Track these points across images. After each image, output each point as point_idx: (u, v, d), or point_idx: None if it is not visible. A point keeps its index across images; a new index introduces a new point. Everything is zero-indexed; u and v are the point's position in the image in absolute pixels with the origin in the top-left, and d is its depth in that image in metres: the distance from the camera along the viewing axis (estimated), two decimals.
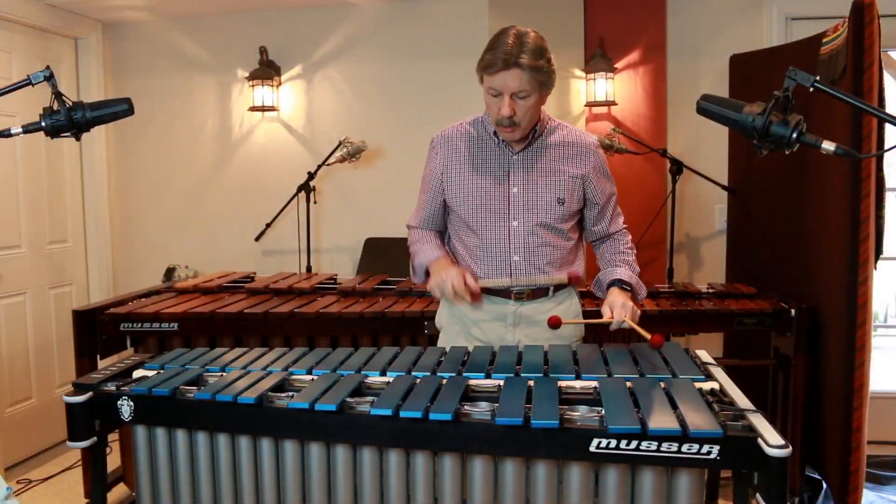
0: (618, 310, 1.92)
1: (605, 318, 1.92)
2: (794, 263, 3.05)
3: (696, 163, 3.53)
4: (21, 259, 3.62)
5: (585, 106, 3.72)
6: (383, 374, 1.73)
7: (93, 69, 3.99)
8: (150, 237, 4.18)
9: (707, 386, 1.58)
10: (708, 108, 1.55)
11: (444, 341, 2.16)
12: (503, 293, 2.07)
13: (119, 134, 4.13)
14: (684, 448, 1.32)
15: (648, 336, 1.79)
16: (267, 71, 3.87)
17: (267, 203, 3.89)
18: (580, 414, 1.43)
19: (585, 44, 3.71)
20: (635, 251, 2.18)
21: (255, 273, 3.50)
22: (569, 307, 2.14)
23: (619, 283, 2.03)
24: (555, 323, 1.94)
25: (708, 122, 1.60)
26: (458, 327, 2.14)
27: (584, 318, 2.19)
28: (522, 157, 2.05)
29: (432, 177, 2.14)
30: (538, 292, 2.09)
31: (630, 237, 2.20)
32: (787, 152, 1.47)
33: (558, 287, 2.10)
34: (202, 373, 1.77)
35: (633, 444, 1.33)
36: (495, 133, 2.03)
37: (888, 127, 2.36)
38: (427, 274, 2.09)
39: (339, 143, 3.70)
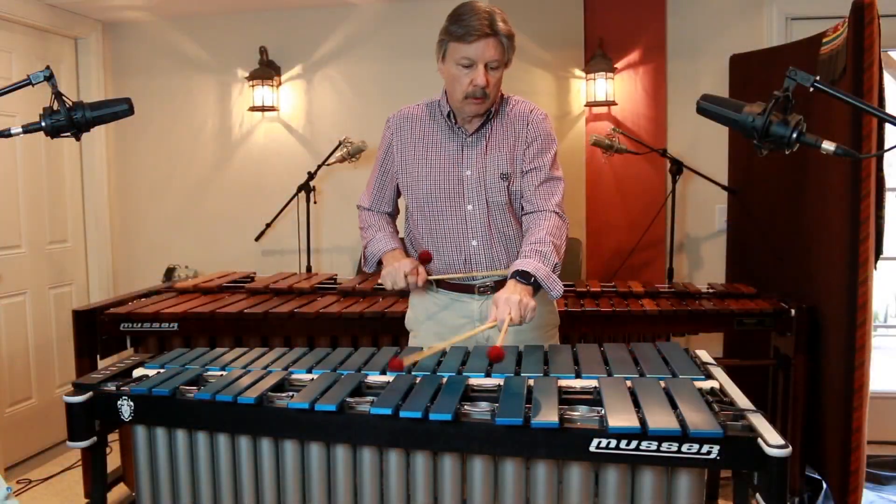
0: (500, 306, 1.73)
1: (489, 323, 1.76)
2: (794, 263, 3.05)
3: (696, 163, 3.53)
4: (21, 259, 3.62)
5: (585, 106, 3.72)
6: (383, 373, 1.73)
7: (93, 69, 3.99)
8: (150, 237, 4.18)
9: (707, 386, 1.58)
10: (708, 108, 1.55)
11: (415, 343, 2.15)
12: (466, 289, 2.05)
13: (119, 134, 4.14)
14: (684, 448, 1.32)
15: (498, 344, 1.63)
16: (267, 71, 3.87)
17: (267, 203, 3.89)
18: (580, 414, 1.43)
19: (585, 44, 3.71)
20: (561, 239, 1.93)
21: (255, 273, 3.50)
22: (539, 298, 1.87)
23: (519, 276, 1.80)
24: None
25: (708, 122, 1.60)
26: (429, 328, 2.11)
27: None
28: (475, 139, 2.02)
29: (385, 156, 2.12)
30: (500, 284, 1.94)
31: (561, 223, 1.95)
32: (787, 152, 1.47)
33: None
34: (202, 373, 1.77)
35: (633, 444, 1.33)
36: (449, 115, 2.01)
37: (888, 127, 2.36)
38: (379, 264, 2.09)
39: (339, 143, 3.70)
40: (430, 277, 2.04)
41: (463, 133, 2.02)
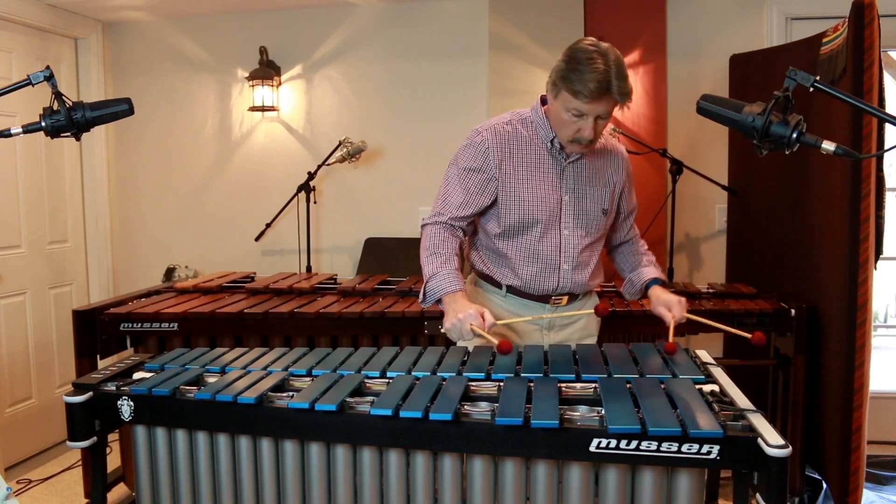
0: (675, 308, 1.99)
1: (672, 323, 1.97)
2: (794, 263, 3.05)
3: (696, 163, 3.53)
4: (21, 259, 3.62)
5: None
6: (383, 374, 1.73)
7: (93, 69, 3.99)
8: (150, 237, 4.18)
9: (707, 386, 1.58)
10: (708, 108, 1.55)
11: (476, 340, 2.09)
12: (542, 298, 2.07)
13: (119, 134, 4.14)
14: (684, 448, 1.32)
15: (749, 335, 1.84)
16: (267, 71, 3.87)
17: (267, 203, 3.89)
18: (580, 414, 1.43)
19: None
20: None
21: (255, 273, 3.50)
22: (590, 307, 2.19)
23: (657, 282, 2.12)
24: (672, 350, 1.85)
25: (708, 122, 1.60)
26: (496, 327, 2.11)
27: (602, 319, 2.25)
28: (574, 166, 2.05)
29: (481, 170, 2.00)
30: (572, 297, 2.13)
31: (643, 241, 2.29)
32: (787, 152, 1.47)
33: (585, 292, 2.17)
34: (202, 373, 1.77)
35: (633, 444, 1.34)
36: (553, 140, 2.02)
37: (888, 127, 2.36)
38: (436, 302, 1.97)
39: (339, 143, 3.70)
40: (498, 322, 1.91)
41: (563, 159, 2.04)
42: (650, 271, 2.16)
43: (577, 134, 1.91)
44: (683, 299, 2.02)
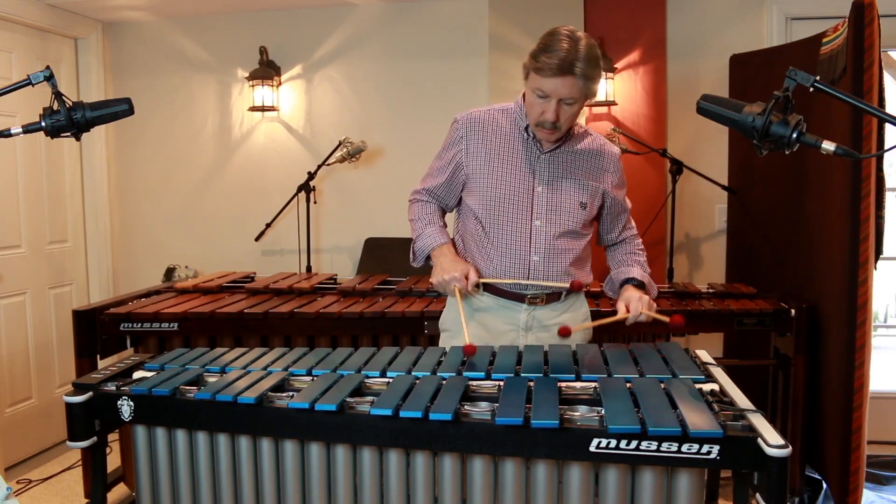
0: (634, 304, 1.95)
1: (621, 315, 1.95)
2: (794, 263, 3.05)
3: (696, 163, 3.53)
4: (21, 259, 3.62)
5: (585, 106, 3.72)
6: (383, 374, 1.73)
7: (93, 69, 3.99)
8: (150, 237, 4.18)
9: (707, 386, 1.58)
10: (708, 108, 1.55)
11: (447, 343, 2.13)
12: (517, 297, 2.05)
13: (119, 134, 4.14)
14: (684, 448, 1.32)
15: (667, 319, 1.81)
16: (267, 71, 3.87)
17: (267, 203, 3.89)
18: (580, 414, 1.43)
19: None
20: (646, 253, 2.22)
21: (255, 273, 3.50)
22: (579, 310, 2.15)
23: (632, 282, 2.07)
24: (565, 333, 1.95)
25: (708, 122, 1.60)
26: (470, 329, 2.06)
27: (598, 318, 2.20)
28: (550, 157, 2.03)
29: (453, 159, 2.09)
30: (552, 297, 2.08)
31: (640, 241, 2.25)
32: (787, 152, 1.47)
33: (569, 290, 2.10)
34: (202, 373, 1.77)
35: (633, 444, 1.33)
36: (526, 128, 2.02)
37: (888, 127, 2.36)
38: (427, 259, 2.09)
39: (339, 143, 3.70)
40: (481, 280, 2.03)
41: (538, 149, 2.03)
42: (632, 271, 2.12)
43: (541, 116, 1.91)
44: (648, 299, 1.98)
